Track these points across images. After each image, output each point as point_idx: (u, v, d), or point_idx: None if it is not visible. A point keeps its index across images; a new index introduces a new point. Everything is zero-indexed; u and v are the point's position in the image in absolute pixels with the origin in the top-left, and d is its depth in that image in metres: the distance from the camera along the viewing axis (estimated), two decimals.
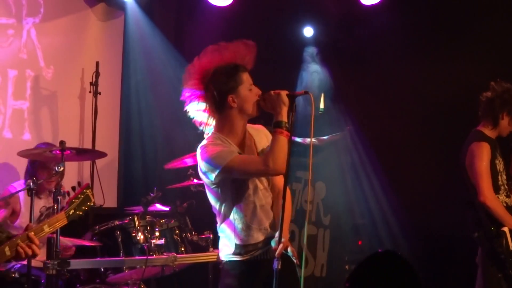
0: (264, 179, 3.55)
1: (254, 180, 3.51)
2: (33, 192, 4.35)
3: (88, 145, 6.26)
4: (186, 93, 3.54)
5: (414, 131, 6.61)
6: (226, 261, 3.54)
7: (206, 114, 3.55)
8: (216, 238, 3.70)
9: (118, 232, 5.01)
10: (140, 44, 6.85)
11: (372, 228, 6.82)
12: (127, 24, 6.82)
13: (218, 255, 3.65)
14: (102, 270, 4.99)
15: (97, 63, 6.32)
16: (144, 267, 4.76)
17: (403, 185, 6.64)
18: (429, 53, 6.58)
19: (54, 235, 4.36)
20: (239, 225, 3.48)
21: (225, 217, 3.51)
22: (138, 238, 4.99)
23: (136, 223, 5.01)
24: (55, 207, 4.46)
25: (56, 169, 4.51)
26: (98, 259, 4.97)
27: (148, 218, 5.14)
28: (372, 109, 6.87)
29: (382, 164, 6.77)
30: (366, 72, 6.94)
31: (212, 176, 3.42)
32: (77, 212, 3.38)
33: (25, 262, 4.34)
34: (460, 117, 5.85)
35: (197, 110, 3.54)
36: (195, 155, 3.57)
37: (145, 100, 6.89)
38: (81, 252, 5.22)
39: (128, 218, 5.06)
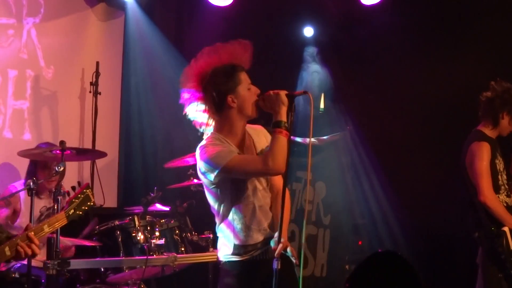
0: (263, 180, 3.55)
1: (253, 181, 3.51)
2: (33, 192, 4.35)
3: (88, 145, 6.26)
4: (184, 96, 3.54)
5: (414, 131, 6.61)
6: (225, 261, 3.54)
7: (206, 115, 3.55)
8: (216, 238, 3.70)
9: (118, 232, 5.00)
10: (140, 44, 6.85)
11: (372, 228, 6.82)
12: (128, 24, 6.82)
13: (217, 255, 3.66)
14: (102, 270, 4.98)
15: (97, 63, 6.33)
16: (144, 267, 4.75)
17: (403, 185, 6.64)
18: (429, 53, 6.59)
19: (54, 235, 4.35)
20: (238, 225, 3.48)
21: (224, 218, 3.51)
22: (138, 238, 4.98)
23: (136, 223, 5.01)
24: (55, 207, 4.46)
25: (57, 169, 4.51)
26: (98, 259, 4.97)
27: (148, 218, 5.14)
28: (372, 109, 6.87)
29: (382, 164, 6.77)
30: (366, 72, 6.94)
31: (211, 176, 3.42)
32: (77, 212, 3.38)
33: (25, 262, 4.33)
34: (460, 117, 5.85)
35: (197, 110, 3.54)
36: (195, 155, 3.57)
37: (145, 100, 6.89)
38: (81, 252, 5.22)
39: (128, 218, 5.06)
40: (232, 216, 3.49)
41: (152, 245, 4.92)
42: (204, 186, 3.59)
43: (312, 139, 6.47)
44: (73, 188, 4.70)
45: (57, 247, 4.39)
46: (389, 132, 6.70)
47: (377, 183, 6.82)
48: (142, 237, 4.98)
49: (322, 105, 6.81)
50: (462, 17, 6.50)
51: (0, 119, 5.94)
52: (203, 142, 3.51)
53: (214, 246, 5.11)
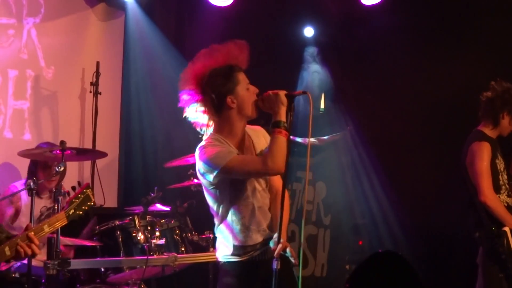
0: (262, 180, 3.55)
1: (252, 181, 3.50)
2: (33, 192, 4.35)
3: (88, 145, 6.26)
4: (183, 98, 3.53)
5: (414, 131, 6.62)
6: (224, 262, 3.54)
7: (206, 116, 3.54)
8: (216, 238, 3.69)
9: (119, 232, 5.00)
10: (141, 44, 6.85)
11: (372, 228, 6.82)
12: (128, 24, 6.82)
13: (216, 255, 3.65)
14: (103, 270, 4.98)
15: (98, 63, 6.33)
16: (144, 267, 4.76)
17: (404, 185, 6.64)
18: (429, 53, 6.59)
19: (55, 235, 4.35)
20: (237, 226, 3.48)
21: (223, 218, 3.51)
22: (138, 238, 4.98)
23: (137, 223, 5.01)
24: (56, 207, 4.46)
25: (57, 169, 4.52)
26: (98, 259, 4.97)
27: (148, 218, 5.14)
28: (372, 109, 6.88)
29: (382, 164, 6.78)
30: (366, 72, 6.95)
31: (211, 177, 3.42)
32: (77, 212, 3.38)
33: (25, 262, 4.33)
34: (460, 117, 5.85)
35: (196, 111, 3.53)
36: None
37: (145, 100, 6.89)
38: (82, 252, 5.22)
39: (128, 218, 5.06)
40: (231, 217, 3.49)
41: (153, 245, 4.92)
42: (203, 187, 3.58)
43: (313, 139, 6.51)
44: (73, 188, 4.71)
45: (57, 247, 4.39)
46: (389, 132, 6.70)
47: (377, 183, 6.82)
48: (142, 237, 4.98)
49: (322, 105, 6.81)
50: (462, 17, 6.50)
51: (1, 119, 5.94)
52: (202, 143, 3.51)
53: (214, 246, 5.10)
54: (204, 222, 4.79)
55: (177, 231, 5.17)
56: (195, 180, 5.50)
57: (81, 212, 3.39)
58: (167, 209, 5.49)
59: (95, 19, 6.65)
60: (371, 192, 6.85)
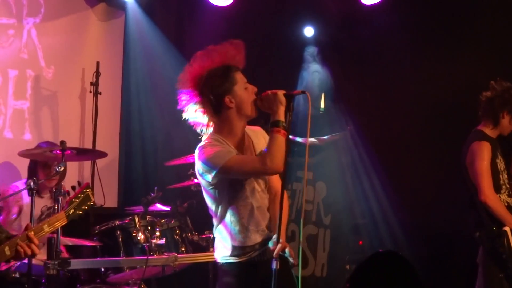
0: (261, 181, 3.54)
1: (251, 182, 3.50)
2: (33, 192, 4.35)
3: (88, 145, 6.26)
4: (182, 100, 3.53)
5: (414, 131, 6.61)
6: (223, 262, 3.53)
7: (205, 117, 3.54)
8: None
9: (119, 232, 5.00)
10: (141, 44, 6.84)
11: (372, 228, 6.82)
12: (128, 24, 6.81)
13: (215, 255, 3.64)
14: (103, 270, 4.98)
15: (98, 63, 6.32)
16: (144, 267, 4.75)
17: (404, 185, 6.64)
18: (430, 53, 6.58)
19: (55, 235, 4.35)
20: (236, 227, 3.48)
21: (222, 219, 3.51)
22: (138, 238, 4.98)
23: (137, 223, 5.01)
24: (56, 207, 4.46)
25: (57, 169, 4.52)
26: (98, 259, 4.97)
27: (148, 218, 5.14)
28: (372, 109, 6.88)
29: (382, 164, 6.77)
30: (366, 72, 6.94)
31: (210, 176, 3.42)
32: (77, 212, 3.38)
33: (26, 261, 4.33)
34: (460, 117, 5.85)
35: (196, 111, 3.53)
36: None
37: (145, 100, 6.88)
38: (82, 252, 5.22)
39: (128, 218, 5.06)
40: (230, 217, 3.48)
41: (153, 245, 4.92)
42: (202, 188, 3.58)
43: (313, 139, 6.51)
44: (73, 188, 4.70)
45: (57, 247, 4.39)
46: (389, 132, 6.70)
47: (377, 183, 6.82)
48: (142, 237, 4.98)
49: (322, 105, 6.80)
50: (462, 17, 6.50)
51: (1, 119, 5.94)
52: (202, 143, 3.51)
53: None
54: (204, 222, 4.79)
55: (177, 231, 5.17)
56: (195, 180, 5.49)
57: (81, 212, 3.39)
58: (167, 209, 5.49)
59: (95, 19, 6.65)
60: (371, 192, 6.84)
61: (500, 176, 4.76)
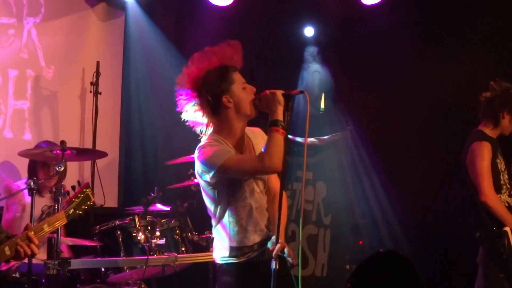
0: (260, 182, 3.54)
1: (250, 183, 3.49)
2: (33, 192, 4.35)
3: (88, 145, 6.26)
4: (181, 102, 3.53)
5: (414, 131, 6.61)
6: (222, 263, 3.53)
7: (205, 118, 3.54)
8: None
9: (119, 232, 5.00)
10: (141, 44, 6.84)
11: (373, 228, 6.82)
12: (128, 24, 6.81)
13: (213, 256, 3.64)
14: (103, 270, 4.98)
15: (98, 63, 6.33)
16: (144, 267, 4.75)
17: (404, 185, 6.64)
18: (430, 53, 6.58)
19: (55, 235, 4.35)
20: (235, 227, 3.47)
21: (220, 219, 3.50)
22: (138, 238, 4.98)
23: (137, 223, 5.01)
24: (56, 207, 4.46)
25: (57, 169, 4.52)
26: (98, 259, 4.97)
27: (148, 218, 5.14)
28: (372, 109, 6.87)
29: (382, 164, 6.77)
30: (366, 72, 6.94)
31: (208, 176, 3.41)
32: (77, 212, 3.38)
33: (26, 261, 4.33)
34: (461, 117, 5.85)
35: (195, 112, 3.53)
36: None
37: (145, 100, 6.88)
38: (82, 252, 5.22)
39: (128, 218, 5.06)
40: (228, 218, 3.48)
41: (153, 245, 4.92)
42: (201, 188, 3.58)
43: (313, 139, 6.51)
44: (73, 187, 4.70)
45: (57, 247, 4.39)
46: (389, 132, 6.70)
47: (377, 183, 6.82)
48: (142, 237, 4.98)
49: (322, 105, 6.80)
50: (462, 17, 6.50)
51: (1, 119, 5.95)
52: (201, 143, 3.51)
53: None
54: (204, 222, 4.78)
55: (178, 231, 5.17)
56: (195, 180, 5.49)
57: (80, 212, 3.39)
58: (167, 209, 5.49)
59: (95, 19, 6.65)
60: (371, 192, 6.84)
61: (501, 176, 4.76)
